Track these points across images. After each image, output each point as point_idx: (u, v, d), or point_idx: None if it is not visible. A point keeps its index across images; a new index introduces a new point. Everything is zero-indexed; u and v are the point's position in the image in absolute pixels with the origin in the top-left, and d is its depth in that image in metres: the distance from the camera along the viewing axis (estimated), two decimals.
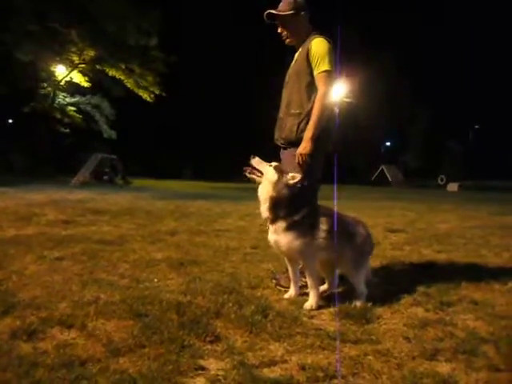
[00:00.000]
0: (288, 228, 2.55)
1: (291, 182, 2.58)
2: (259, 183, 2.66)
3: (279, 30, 2.99)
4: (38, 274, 3.02)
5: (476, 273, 3.50)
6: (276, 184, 2.56)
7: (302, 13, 2.91)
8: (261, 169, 2.64)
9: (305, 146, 2.74)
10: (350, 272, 2.65)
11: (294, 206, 2.57)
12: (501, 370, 1.81)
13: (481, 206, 11.95)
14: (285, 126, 2.93)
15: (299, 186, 2.61)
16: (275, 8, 2.94)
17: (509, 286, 3.12)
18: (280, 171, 2.59)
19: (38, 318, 2.14)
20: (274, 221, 2.60)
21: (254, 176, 2.66)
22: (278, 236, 2.59)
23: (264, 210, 2.62)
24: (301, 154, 2.75)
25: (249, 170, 2.68)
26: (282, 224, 2.57)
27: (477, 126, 47.04)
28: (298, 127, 2.83)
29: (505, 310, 2.58)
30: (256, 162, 2.67)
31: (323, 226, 2.61)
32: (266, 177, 2.59)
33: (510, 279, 3.25)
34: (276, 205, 2.57)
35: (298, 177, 2.59)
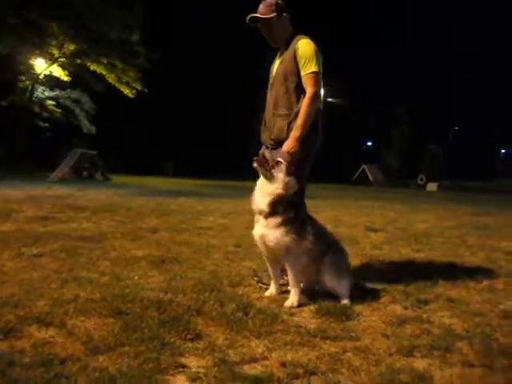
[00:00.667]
0: (281, 223, 2.57)
1: (295, 186, 2.62)
2: (264, 176, 2.63)
3: (263, 34, 2.99)
4: (15, 271, 2.97)
5: (453, 271, 3.58)
6: (286, 184, 2.58)
7: (284, 14, 2.93)
8: (273, 163, 2.61)
9: (292, 145, 2.74)
10: (332, 280, 2.64)
11: (291, 204, 2.61)
12: (474, 365, 1.86)
13: (459, 206, 12.22)
14: (273, 127, 2.94)
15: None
16: (256, 10, 2.93)
17: (483, 284, 3.21)
18: (290, 172, 2.61)
19: (16, 316, 2.10)
20: (269, 215, 2.60)
21: (262, 167, 2.61)
22: (268, 230, 2.60)
23: (262, 203, 2.61)
24: (289, 153, 2.74)
25: (258, 160, 2.63)
26: (276, 219, 2.58)
27: (456, 128, 47.93)
28: (289, 127, 2.84)
29: (479, 307, 2.65)
30: (268, 153, 2.66)
31: (310, 229, 2.66)
32: (278, 174, 2.58)
33: (484, 278, 3.35)
34: (278, 202, 2.58)
35: (295, 183, 2.64)
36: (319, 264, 2.65)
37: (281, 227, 2.58)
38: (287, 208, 2.60)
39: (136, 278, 3.01)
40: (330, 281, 2.64)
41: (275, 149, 2.96)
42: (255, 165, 2.64)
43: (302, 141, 2.77)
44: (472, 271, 3.61)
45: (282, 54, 3.01)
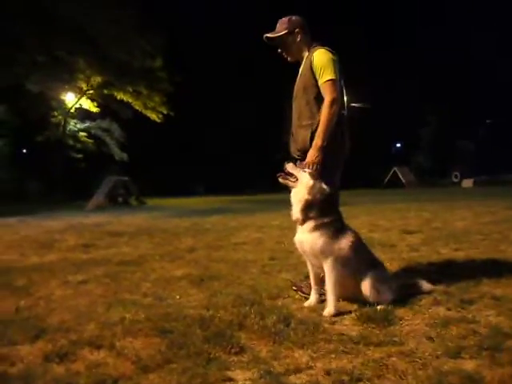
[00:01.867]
0: (315, 228, 2.65)
1: (325, 189, 2.69)
2: (292, 188, 2.76)
3: (279, 51, 3.10)
4: (64, 299, 3.11)
5: (496, 268, 3.48)
6: (311, 188, 2.67)
7: (297, 30, 2.99)
8: (296, 174, 2.74)
9: (315, 155, 2.78)
10: (372, 293, 2.62)
11: (324, 209, 2.68)
12: None
13: (496, 201, 11.81)
14: (298, 138, 3.00)
15: (330, 192, 2.73)
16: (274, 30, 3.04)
17: None
18: (314, 177, 2.70)
19: (68, 340, 2.21)
20: (304, 221, 2.69)
21: (287, 181, 2.77)
22: (305, 235, 2.69)
23: (296, 211, 2.72)
24: (312, 163, 2.79)
25: (283, 175, 2.79)
26: (310, 224, 2.67)
27: (488, 121, 46.52)
28: (312, 137, 2.89)
29: None
30: (290, 167, 2.78)
31: (348, 236, 2.69)
32: (302, 181, 2.70)
33: None
34: (308, 207, 2.67)
35: (327, 188, 2.71)
36: (358, 277, 2.64)
37: (315, 231, 2.65)
38: (320, 212, 2.66)
39: (177, 297, 3.09)
40: (371, 293, 2.62)
41: (302, 160, 2.99)
42: (281, 180, 2.79)
43: (327, 147, 2.80)
44: None
45: (301, 68, 3.08)
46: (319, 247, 2.63)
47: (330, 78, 2.84)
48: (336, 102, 2.82)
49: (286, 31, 2.97)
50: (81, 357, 2.04)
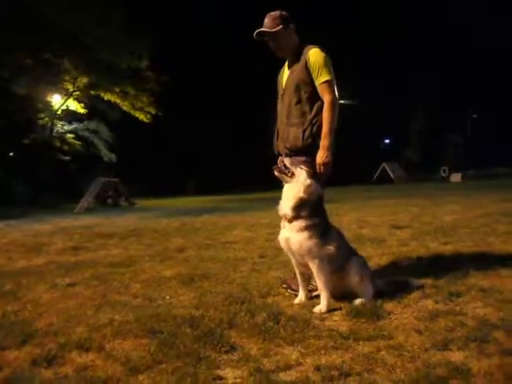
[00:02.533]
0: (305, 228, 2.63)
1: (319, 190, 2.71)
2: (286, 182, 2.75)
3: (271, 46, 3.01)
4: (52, 302, 3.07)
5: (483, 261, 3.53)
6: (308, 187, 2.66)
7: (291, 25, 2.96)
8: (293, 170, 2.72)
9: (325, 155, 2.80)
10: (356, 285, 2.66)
11: (315, 210, 2.68)
12: None
13: (485, 195, 11.96)
14: (288, 136, 2.97)
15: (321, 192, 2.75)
16: (261, 25, 2.96)
17: None
18: (311, 176, 2.70)
19: (57, 343, 2.18)
20: (293, 219, 2.66)
21: (283, 175, 2.75)
22: (293, 234, 2.66)
23: (286, 207, 2.69)
24: (324, 164, 2.80)
25: (279, 168, 2.77)
26: (300, 223, 2.64)
27: (475, 115, 47.04)
28: (304, 135, 2.89)
29: None
30: (288, 161, 2.76)
31: (334, 234, 2.72)
32: (299, 179, 2.69)
33: None
34: (301, 205, 2.65)
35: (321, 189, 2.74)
36: (343, 270, 2.67)
37: (305, 231, 2.63)
38: (311, 213, 2.65)
39: (167, 297, 3.07)
40: (355, 285, 2.66)
41: (291, 156, 3.00)
42: (276, 173, 2.76)
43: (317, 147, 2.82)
44: (503, 259, 3.55)
45: (290, 65, 3.04)
46: (307, 248, 2.62)
47: (328, 78, 2.85)
48: (336, 102, 2.86)
49: (281, 26, 2.90)
50: (69, 360, 2.02)
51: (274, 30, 2.90)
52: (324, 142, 2.81)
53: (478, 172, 35.13)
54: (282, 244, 2.78)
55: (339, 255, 2.66)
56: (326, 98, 2.84)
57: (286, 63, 3.12)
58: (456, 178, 33.23)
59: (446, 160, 40.40)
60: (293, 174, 2.71)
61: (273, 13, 2.96)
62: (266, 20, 2.94)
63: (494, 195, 11.41)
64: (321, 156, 2.80)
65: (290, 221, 2.68)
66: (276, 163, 2.88)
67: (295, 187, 2.68)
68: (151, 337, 2.22)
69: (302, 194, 2.64)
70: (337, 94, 2.90)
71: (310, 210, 2.65)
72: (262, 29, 2.92)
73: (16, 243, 6.67)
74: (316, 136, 2.86)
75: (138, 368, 1.88)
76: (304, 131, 2.89)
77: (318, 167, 2.80)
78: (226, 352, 2.01)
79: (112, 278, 3.80)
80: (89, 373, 1.87)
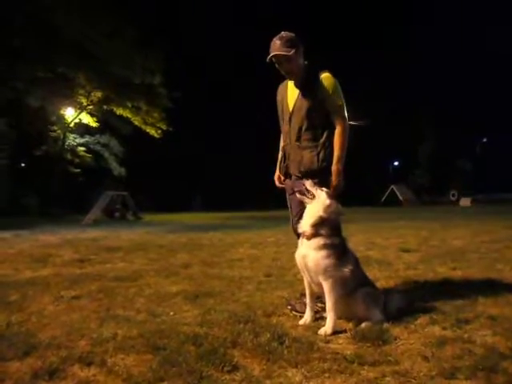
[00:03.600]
0: (323, 246, 2.64)
1: (340, 209, 2.76)
2: (307, 204, 2.80)
3: (284, 68, 2.99)
4: (56, 314, 3.07)
5: (492, 288, 3.47)
6: (328, 207, 2.70)
7: (301, 47, 2.99)
8: (313, 192, 2.77)
9: (339, 179, 2.89)
10: (364, 312, 2.65)
11: (334, 229, 2.70)
12: None
13: (495, 220, 11.84)
14: (301, 159, 3.00)
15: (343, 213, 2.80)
16: (269, 48, 2.95)
17: None
18: (332, 197, 2.74)
19: (59, 357, 2.17)
20: (312, 236, 2.68)
21: (304, 198, 2.80)
22: (310, 251, 2.67)
23: (306, 224, 2.73)
24: (337, 187, 2.87)
25: (300, 191, 2.83)
26: (319, 241, 2.65)
27: (485, 140, 46.93)
28: (318, 158, 2.94)
29: None
30: (309, 184, 2.81)
31: (351, 258, 2.72)
32: (320, 199, 2.73)
33: None
34: (320, 224, 2.68)
35: (340, 208, 2.78)
36: (353, 296, 2.65)
37: (323, 249, 2.63)
38: (330, 232, 2.67)
39: (171, 313, 3.05)
40: (362, 314, 2.64)
41: (302, 178, 3.03)
42: (298, 195, 2.83)
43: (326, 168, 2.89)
44: None
45: (300, 88, 3.02)
46: (324, 267, 2.61)
47: (340, 103, 2.93)
48: (348, 127, 2.93)
49: (294, 49, 2.90)
50: (70, 374, 2.00)
51: (289, 54, 2.89)
52: (336, 166, 2.89)
53: (487, 197, 34.81)
54: (299, 261, 2.78)
55: (352, 280, 2.64)
56: (339, 123, 2.92)
57: (288, 83, 3.12)
58: (465, 202, 32.98)
59: (455, 184, 40.17)
60: (314, 196, 2.76)
61: (284, 35, 2.93)
62: (277, 43, 2.90)
63: (503, 221, 11.29)
64: (335, 180, 2.88)
65: (309, 238, 2.69)
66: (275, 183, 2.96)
67: (316, 206, 2.72)
68: (154, 353, 2.20)
69: (321, 213, 2.69)
70: (347, 118, 2.95)
71: (329, 229, 2.67)
72: (277, 52, 2.89)
73: (23, 254, 6.70)
74: (329, 159, 2.92)
75: None
76: (318, 154, 2.94)
77: (332, 190, 2.84)
78: (229, 372, 1.99)
79: (117, 291, 3.79)
80: None
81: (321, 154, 2.93)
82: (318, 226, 2.68)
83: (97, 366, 2.08)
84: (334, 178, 2.88)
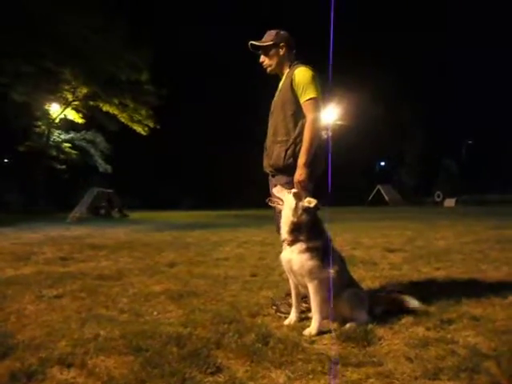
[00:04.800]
0: (305, 250, 2.61)
1: (308, 206, 2.66)
2: (281, 210, 2.77)
3: (261, 60, 3.13)
4: (36, 314, 3.00)
5: (476, 288, 3.50)
6: (295, 210, 2.65)
7: (282, 44, 3.04)
8: (281, 196, 2.75)
9: (300, 173, 2.80)
10: (350, 313, 2.64)
11: (312, 231, 2.65)
12: None
13: (478, 221, 12.00)
14: (272, 153, 3.00)
15: (315, 210, 2.69)
16: (260, 39, 3.09)
17: (509, 299, 3.12)
18: (298, 197, 2.67)
19: (38, 358, 2.12)
20: (292, 242, 2.65)
21: (276, 204, 2.80)
22: (294, 255, 2.64)
23: (284, 232, 2.71)
24: (298, 181, 2.80)
25: (271, 199, 2.84)
26: (300, 246, 2.63)
27: (470, 141, 47.57)
28: (286, 154, 2.90)
29: (506, 324, 2.57)
30: (277, 190, 2.79)
31: (335, 261, 2.68)
32: (286, 203, 2.70)
33: (510, 293, 3.25)
34: (296, 229, 2.65)
35: (314, 201, 2.66)
36: (339, 297, 2.63)
37: (306, 253, 2.61)
38: (309, 235, 2.63)
39: (155, 313, 3.01)
40: (348, 314, 2.63)
41: (274, 176, 3.06)
42: (270, 204, 2.85)
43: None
44: (496, 287, 3.52)
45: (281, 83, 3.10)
46: (308, 269, 2.59)
47: (312, 96, 2.86)
48: (318, 120, 2.86)
49: (271, 42, 3.03)
50: (50, 376, 1.95)
51: (262, 44, 3.05)
52: (301, 160, 2.81)
53: (471, 198, 35.30)
54: (284, 264, 2.76)
55: (337, 280, 2.62)
56: (309, 116, 2.86)
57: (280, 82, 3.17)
58: (450, 203, 33.39)
59: (440, 185, 40.63)
60: (283, 201, 2.73)
61: (273, 30, 3.08)
62: (264, 35, 3.09)
63: (487, 221, 11.45)
64: (298, 173, 2.81)
65: (290, 244, 2.67)
66: (266, 181, 2.91)
67: (286, 212, 2.69)
68: (136, 354, 2.17)
69: (292, 218, 2.65)
70: (320, 112, 2.90)
71: (307, 231, 2.63)
72: (252, 41, 3.07)
73: (4, 251, 6.57)
74: (298, 156, 2.86)
75: None
76: (287, 150, 2.90)
77: (295, 185, 2.81)
78: (212, 373, 1.96)
79: (100, 291, 3.73)
80: None
81: (289, 150, 2.89)
82: (295, 231, 2.64)
83: (77, 367, 2.04)
84: (297, 171, 2.81)
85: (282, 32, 3.07)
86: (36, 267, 5.10)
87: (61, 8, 21.04)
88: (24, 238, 9.09)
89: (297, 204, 2.65)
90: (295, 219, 2.64)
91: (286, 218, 2.68)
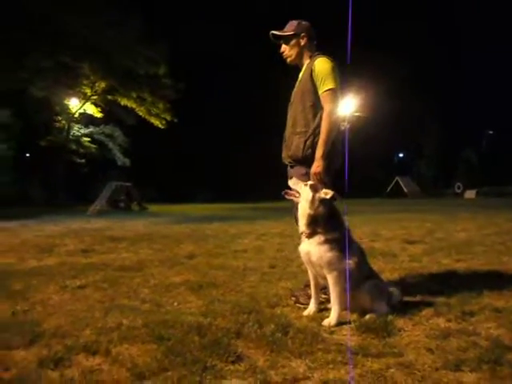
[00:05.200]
0: (324, 242, 2.61)
1: (324, 197, 2.65)
2: (298, 203, 2.76)
3: (281, 50, 3.13)
4: (61, 304, 3.09)
5: (497, 280, 3.46)
6: (312, 202, 2.64)
7: (303, 34, 3.03)
8: (297, 189, 2.75)
9: (318, 165, 2.80)
10: (370, 304, 2.63)
11: (330, 222, 2.65)
12: None
13: (500, 212, 11.78)
14: (291, 144, 3.00)
15: (333, 201, 2.69)
16: (282, 29, 3.09)
17: None
18: (314, 189, 2.67)
19: (64, 345, 2.18)
20: (311, 235, 2.66)
21: (292, 197, 2.79)
22: (313, 247, 2.64)
23: (301, 225, 2.71)
24: (315, 173, 2.80)
25: (287, 192, 2.82)
26: (319, 238, 2.62)
27: (491, 132, 46.54)
28: (305, 145, 2.90)
29: None
30: (293, 182, 2.79)
31: (354, 252, 2.67)
32: (302, 196, 2.69)
33: None
34: (313, 221, 2.64)
35: (331, 192, 2.66)
36: (358, 288, 2.63)
37: (324, 244, 2.61)
38: (327, 226, 2.63)
39: (175, 303, 3.06)
40: (367, 306, 2.63)
41: (293, 167, 3.05)
42: (286, 197, 2.82)
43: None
44: None
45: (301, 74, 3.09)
46: (327, 260, 2.60)
47: (330, 87, 2.85)
48: (335, 111, 2.85)
49: (292, 32, 3.03)
50: (76, 363, 2.01)
51: (283, 34, 3.06)
52: (318, 152, 2.81)
53: (492, 189, 34.59)
54: (303, 256, 2.76)
55: (357, 272, 2.61)
56: (326, 107, 2.85)
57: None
58: (470, 194, 32.85)
59: (460, 176, 39.96)
60: (299, 194, 2.72)
61: (294, 20, 3.09)
62: (286, 26, 3.09)
63: (508, 213, 11.23)
64: (315, 165, 2.81)
65: (309, 237, 2.67)
66: (284, 173, 2.92)
67: (303, 204, 2.68)
68: (158, 343, 2.21)
69: (309, 211, 2.64)
70: (338, 104, 2.88)
71: (325, 223, 2.63)
72: (273, 31, 3.07)
73: (28, 243, 6.74)
74: (316, 147, 2.85)
75: (144, 374, 1.86)
76: (306, 141, 2.90)
77: (311, 177, 2.81)
78: (233, 362, 1.99)
79: (121, 281, 3.80)
80: (94, 377, 1.86)
81: (308, 141, 2.89)
82: (312, 223, 2.64)
83: (101, 355, 2.09)
84: (314, 163, 2.81)
85: (303, 22, 3.07)
86: (59, 258, 5.22)
87: (78, 5, 21.24)
88: (46, 230, 9.30)
89: (313, 196, 2.64)
90: (312, 211, 2.64)
91: (303, 211, 2.68)
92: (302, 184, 2.74)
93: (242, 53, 43.29)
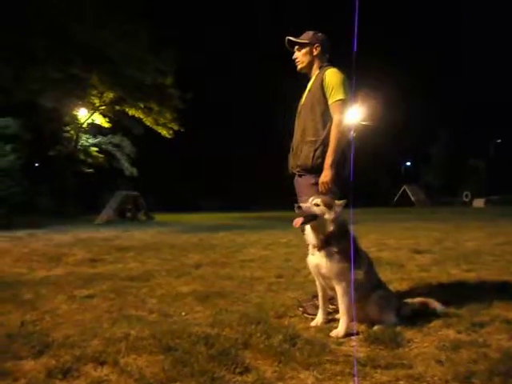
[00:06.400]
0: (334, 253, 2.59)
1: (339, 207, 2.63)
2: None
3: (294, 56, 3.19)
4: (69, 313, 3.10)
5: (508, 291, 3.41)
6: (326, 223, 2.60)
7: (316, 44, 3.09)
8: (312, 212, 2.62)
9: (326, 174, 2.81)
10: (378, 315, 2.62)
11: (339, 234, 2.62)
12: None
13: (509, 222, 11.66)
14: (300, 153, 3.02)
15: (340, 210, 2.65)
16: (296, 36, 3.16)
17: None
18: (329, 206, 2.62)
19: (72, 356, 2.19)
20: (322, 248, 2.63)
21: (306, 220, 2.63)
22: (323, 259, 2.62)
23: (311, 239, 2.67)
24: (323, 183, 2.81)
25: (301, 220, 2.62)
26: (329, 250, 2.60)
27: (498, 141, 46.28)
28: (314, 154, 2.92)
29: None
30: (305, 209, 2.62)
31: (364, 262, 2.66)
32: (323, 216, 2.61)
33: None
34: (327, 237, 2.61)
35: (342, 202, 2.65)
36: (367, 299, 2.61)
37: (335, 255, 2.59)
38: (338, 239, 2.61)
39: (183, 314, 3.06)
40: (376, 317, 2.61)
41: (301, 176, 3.06)
42: (300, 224, 2.63)
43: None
44: None
45: (311, 84, 3.12)
46: (336, 272, 2.58)
47: (340, 97, 2.89)
48: (344, 121, 2.88)
49: (307, 41, 3.10)
50: (84, 373, 2.01)
51: (298, 40, 3.12)
52: (327, 161, 2.83)
53: (501, 198, 34.28)
54: (311, 268, 2.74)
55: (365, 282, 2.60)
56: (335, 117, 2.88)
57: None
58: (479, 203, 32.59)
59: (468, 185, 39.70)
60: (315, 216, 2.61)
61: (311, 31, 3.16)
62: (303, 34, 3.16)
63: None
64: (324, 174, 2.82)
65: (319, 249, 2.65)
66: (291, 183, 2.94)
67: (321, 223, 2.61)
68: (166, 353, 2.21)
69: (330, 229, 2.60)
70: (347, 114, 2.91)
71: (336, 236, 2.62)
72: (289, 37, 3.14)
73: (37, 253, 6.78)
74: (325, 156, 2.87)
75: None
76: (315, 150, 2.92)
77: (320, 186, 2.82)
78: (241, 373, 1.98)
79: (129, 291, 3.81)
80: None
81: (318, 151, 2.90)
82: (325, 238, 2.62)
83: (110, 365, 2.09)
84: (323, 172, 2.82)
85: (319, 34, 3.15)
86: (67, 268, 5.25)
87: (86, 15, 21.52)
88: (55, 239, 9.36)
89: (328, 215, 2.60)
90: (327, 230, 2.61)
91: (322, 230, 2.62)
92: (311, 204, 2.63)
93: (249, 60, 43.60)
